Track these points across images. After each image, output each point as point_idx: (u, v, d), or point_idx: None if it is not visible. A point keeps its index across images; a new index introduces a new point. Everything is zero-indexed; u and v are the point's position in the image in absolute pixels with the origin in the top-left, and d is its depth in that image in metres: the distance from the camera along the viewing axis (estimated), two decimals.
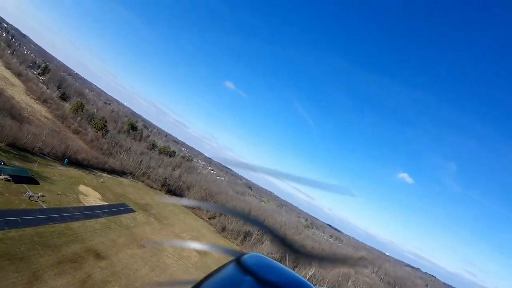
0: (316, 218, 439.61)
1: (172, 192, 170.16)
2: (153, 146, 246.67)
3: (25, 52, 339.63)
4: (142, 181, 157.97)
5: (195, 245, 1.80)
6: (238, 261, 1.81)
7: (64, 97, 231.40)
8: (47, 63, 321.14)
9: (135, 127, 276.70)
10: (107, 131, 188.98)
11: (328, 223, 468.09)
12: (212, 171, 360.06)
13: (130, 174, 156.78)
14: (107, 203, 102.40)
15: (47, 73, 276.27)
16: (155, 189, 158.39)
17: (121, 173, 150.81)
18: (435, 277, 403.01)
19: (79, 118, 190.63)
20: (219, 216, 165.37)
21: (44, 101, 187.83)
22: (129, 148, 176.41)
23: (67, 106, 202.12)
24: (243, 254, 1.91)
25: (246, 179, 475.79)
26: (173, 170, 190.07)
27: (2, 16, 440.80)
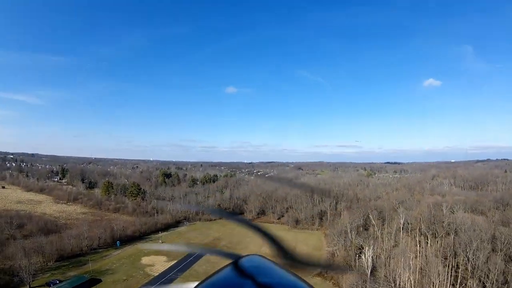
0: (373, 163, 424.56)
1: (231, 214, 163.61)
2: (194, 181, 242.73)
3: (39, 167, 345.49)
4: (199, 220, 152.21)
5: (192, 249, 1.92)
6: (236, 264, 1.81)
7: (91, 186, 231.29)
8: (63, 165, 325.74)
9: (168, 174, 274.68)
10: (144, 193, 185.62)
11: (386, 161, 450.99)
12: (258, 173, 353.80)
13: (185, 219, 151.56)
14: (175, 261, 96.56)
15: (67, 174, 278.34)
16: (214, 220, 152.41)
17: (176, 224, 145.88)
18: (507, 159, 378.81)
19: (113, 196, 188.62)
20: (286, 212, 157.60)
21: (75, 199, 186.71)
22: (172, 196, 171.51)
23: (97, 192, 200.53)
24: (241, 256, 1.92)
25: (293, 162, 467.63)
26: (222, 194, 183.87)
27: (6, 150, 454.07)
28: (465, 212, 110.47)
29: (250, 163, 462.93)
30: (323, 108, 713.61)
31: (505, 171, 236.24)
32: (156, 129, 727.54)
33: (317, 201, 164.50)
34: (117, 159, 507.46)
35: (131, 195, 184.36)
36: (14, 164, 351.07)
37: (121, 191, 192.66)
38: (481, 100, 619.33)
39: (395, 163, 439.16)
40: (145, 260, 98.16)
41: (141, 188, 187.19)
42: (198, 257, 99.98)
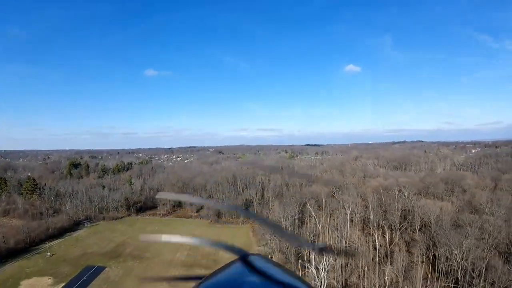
0: (293, 145, 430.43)
1: (142, 208, 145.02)
2: (104, 171, 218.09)
3: None
4: (103, 219, 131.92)
5: (198, 241, 1.87)
6: (244, 260, 1.82)
7: None
8: None
9: (77, 164, 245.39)
10: (42, 189, 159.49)
11: (306, 144, 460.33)
12: (178, 158, 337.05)
13: (87, 219, 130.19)
14: (64, 283, 78.40)
15: None
16: (121, 218, 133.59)
17: (76, 226, 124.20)
18: (422, 141, 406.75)
19: (5, 195, 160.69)
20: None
21: None
22: (74, 191, 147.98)
23: None
24: (247, 253, 1.91)
25: (214, 147, 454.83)
26: (131, 185, 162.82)
27: None
28: (419, 197, 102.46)
29: (169, 148, 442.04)
30: (244, 92, 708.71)
31: (425, 151, 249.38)
32: (72, 117, 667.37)
33: (241, 188, 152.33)
34: (29, 150, 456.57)
35: (26, 193, 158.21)
36: None
37: (15, 190, 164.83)
38: (396, 86, 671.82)
39: (315, 145, 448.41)
40: (24, 284, 78.58)
41: (37, 184, 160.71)
42: (95, 274, 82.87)
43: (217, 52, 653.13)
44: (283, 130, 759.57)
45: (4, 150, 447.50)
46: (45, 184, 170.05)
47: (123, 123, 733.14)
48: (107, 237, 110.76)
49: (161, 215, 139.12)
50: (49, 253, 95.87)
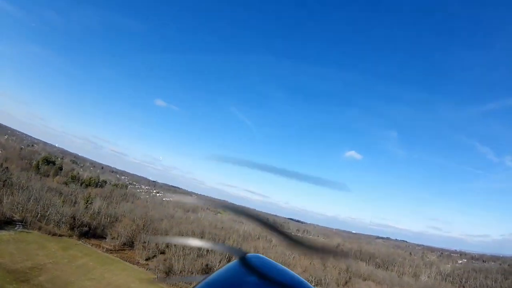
0: (276, 215, 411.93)
1: (88, 234, 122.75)
2: (73, 179, 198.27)
3: None
4: (39, 229, 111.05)
5: (199, 243, 2.02)
6: (243, 260, 1.80)
7: None
8: None
9: (51, 161, 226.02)
10: None
11: (289, 217, 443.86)
12: (157, 194, 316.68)
13: (21, 222, 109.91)
14: None
15: None
16: (60, 236, 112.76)
17: (5, 224, 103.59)
18: (406, 241, 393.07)
19: None
20: (168, 251, 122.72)
21: None
22: (25, 186, 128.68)
23: None
24: (246, 253, 1.91)
25: (197, 193, 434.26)
26: (87, 203, 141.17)
27: None
28: None
29: (154, 181, 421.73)
30: (241, 147, 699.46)
31: (410, 254, 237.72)
32: (72, 117, 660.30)
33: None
34: (18, 131, 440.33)
35: None
36: None
37: None
38: (391, 182, 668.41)
39: (298, 221, 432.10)
40: None
41: None
42: None
43: (227, 103, 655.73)
44: (270, 197, 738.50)
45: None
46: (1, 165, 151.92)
47: (117, 140, 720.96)
48: (29, 251, 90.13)
49: (105, 249, 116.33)
50: None
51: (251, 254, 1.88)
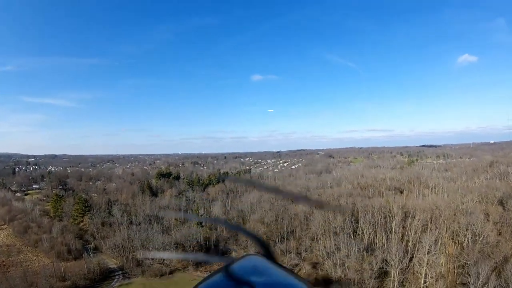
0: (407, 147, 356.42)
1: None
2: (190, 184, 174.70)
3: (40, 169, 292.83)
4: (142, 274, 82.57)
5: (187, 256, 2.09)
6: (242, 260, 1.77)
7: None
8: (50, 168, 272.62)
9: (166, 174, 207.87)
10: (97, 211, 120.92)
11: (421, 144, 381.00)
12: (285, 164, 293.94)
13: (120, 270, 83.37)
14: None
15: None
16: (170, 273, 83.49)
17: (103, 279, 79.34)
18: None
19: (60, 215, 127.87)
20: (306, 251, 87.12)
21: (12, 220, 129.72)
22: (123, 220, 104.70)
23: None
24: (234, 259, 1.85)
25: (323, 149, 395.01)
26: (198, 224, 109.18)
27: (35, 153, 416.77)
28: None
29: (278, 152, 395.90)
30: (352, 91, 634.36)
31: None
32: (186, 123, 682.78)
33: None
34: (142, 154, 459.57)
35: (78, 215, 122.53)
36: (22, 168, 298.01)
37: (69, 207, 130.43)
38: None
39: (431, 146, 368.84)
40: None
41: (89, 205, 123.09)
42: None
43: (322, 52, 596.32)
44: (394, 130, 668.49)
45: (122, 155, 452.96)
46: (109, 201, 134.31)
47: (232, 127, 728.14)
48: None
49: None
50: None
51: (251, 253, 1.79)
